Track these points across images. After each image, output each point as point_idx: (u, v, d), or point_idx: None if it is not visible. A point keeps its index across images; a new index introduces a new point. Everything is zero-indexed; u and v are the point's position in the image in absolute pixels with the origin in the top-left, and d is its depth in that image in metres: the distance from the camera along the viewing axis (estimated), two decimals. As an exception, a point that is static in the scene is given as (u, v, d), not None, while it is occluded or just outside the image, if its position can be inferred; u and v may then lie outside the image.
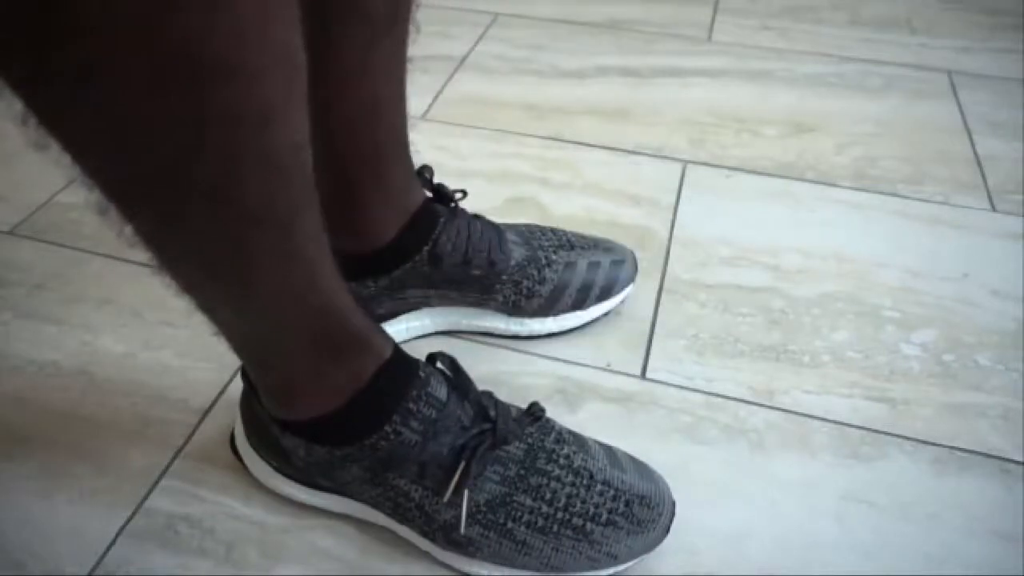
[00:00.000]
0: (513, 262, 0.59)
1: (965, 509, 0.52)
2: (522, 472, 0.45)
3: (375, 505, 0.47)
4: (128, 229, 0.34)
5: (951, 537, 0.50)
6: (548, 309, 0.61)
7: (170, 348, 0.62)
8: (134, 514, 0.51)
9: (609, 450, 0.49)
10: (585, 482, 0.46)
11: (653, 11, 1.13)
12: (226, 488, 0.52)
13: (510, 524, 0.45)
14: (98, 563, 0.48)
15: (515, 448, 0.46)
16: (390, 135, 0.53)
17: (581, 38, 1.07)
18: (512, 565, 0.46)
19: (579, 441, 0.48)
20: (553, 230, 0.64)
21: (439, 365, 0.46)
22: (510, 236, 0.61)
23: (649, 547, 0.47)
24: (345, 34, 0.45)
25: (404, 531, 0.48)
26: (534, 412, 0.47)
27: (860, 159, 0.85)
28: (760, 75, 0.99)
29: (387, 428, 0.43)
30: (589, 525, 0.45)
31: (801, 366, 0.62)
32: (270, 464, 0.50)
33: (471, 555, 0.46)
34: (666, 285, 0.68)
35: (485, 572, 0.47)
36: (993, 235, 0.75)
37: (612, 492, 0.46)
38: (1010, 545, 0.50)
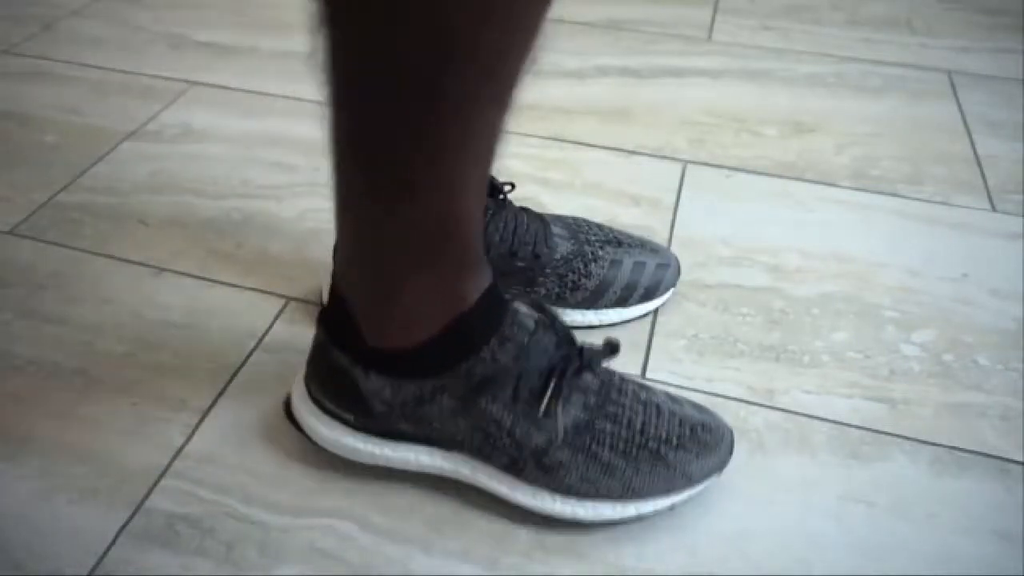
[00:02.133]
0: (558, 255, 0.60)
1: (965, 509, 0.52)
2: (600, 401, 0.48)
3: (461, 442, 0.47)
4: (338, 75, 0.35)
5: (951, 537, 0.50)
6: (591, 303, 0.62)
7: (170, 348, 0.62)
8: (134, 514, 0.51)
9: (666, 392, 0.52)
10: (654, 412, 0.49)
11: (653, 11, 1.13)
12: (226, 488, 0.52)
13: (595, 447, 0.47)
14: (98, 563, 0.48)
15: (591, 380, 0.48)
16: None
17: (581, 38, 1.07)
18: (597, 488, 0.48)
19: (640, 382, 0.52)
20: (600, 225, 0.65)
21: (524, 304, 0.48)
22: (556, 229, 0.61)
23: (719, 466, 0.50)
24: None
25: (485, 474, 0.49)
26: (612, 343, 0.49)
27: (860, 159, 0.85)
28: (760, 75, 0.99)
29: (484, 353, 0.44)
30: (663, 448, 0.48)
31: (801, 366, 0.62)
32: (343, 420, 0.49)
33: (560, 480, 0.48)
34: (666, 285, 0.68)
35: (568, 509, 0.49)
36: (993, 235, 0.75)
37: (678, 420, 0.50)
38: (1010, 545, 0.50)
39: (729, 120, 0.91)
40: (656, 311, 0.66)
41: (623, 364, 0.61)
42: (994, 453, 0.55)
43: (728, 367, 0.61)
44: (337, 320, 0.47)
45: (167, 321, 0.64)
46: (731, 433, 0.52)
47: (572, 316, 0.63)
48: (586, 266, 0.61)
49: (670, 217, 0.76)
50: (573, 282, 0.61)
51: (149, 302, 0.66)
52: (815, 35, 1.09)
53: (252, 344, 0.62)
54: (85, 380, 0.59)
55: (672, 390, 0.59)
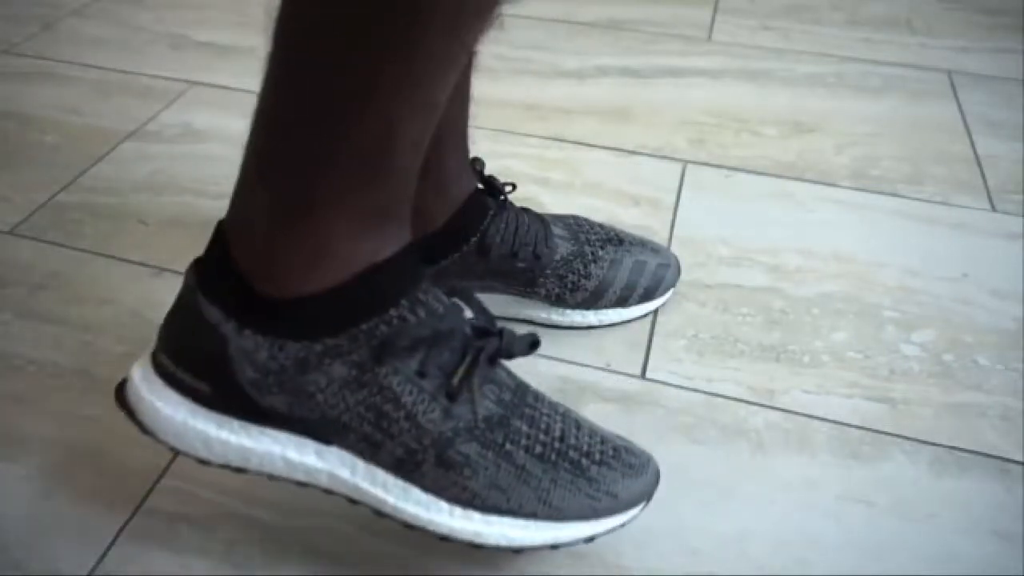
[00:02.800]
0: (558, 256, 0.60)
1: (965, 509, 0.52)
2: (515, 400, 0.42)
3: (345, 426, 0.40)
4: None
5: (951, 537, 0.50)
6: (591, 303, 0.62)
7: (170, 348, 0.62)
8: (134, 514, 0.51)
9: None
10: (573, 425, 0.44)
11: (653, 11, 1.13)
12: (226, 488, 0.52)
13: (508, 446, 0.41)
14: (98, 563, 0.48)
15: (506, 377, 0.43)
16: (447, 124, 0.51)
17: (581, 38, 1.07)
18: (507, 498, 0.41)
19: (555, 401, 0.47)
20: (601, 224, 0.65)
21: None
22: (556, 230, 0.61)
23: (646, 492, 0.45)
24: None
25: (369, 477, 0.41)
26: (534, 338, 0.43)
27: (860, 159, 0.85)
28: (760, 75, 0.99)
29: (393, 312, 0.38)
30: (584, 461, 0.43)
31: (801, 366, 0.62)
32: (194, 392, 0.41)
33: (463, 484, 0.41)
34: (666, 285, 0.68)
35: (469, 526, 0.41)
36: (993, 235, 0.75)
37: (599, 437, 0.45)
38: (1010, 545, 0.50)
39: (729, 120, 0.91)
40: (656, 311, 0.66)
41: (623, 364, 0.61)
42: (994, 453, 0.55)
43: (728, 367, 0.61)
44: (214, 266, 0.41)
45: (167, 321, 0.64)
46: (655, 463, 0.46)
47: (573, 317, 0.63)
48: (586, 267, 0.61)
49: (670, 217, 0.76)
50: (573, 283, 0.61)
51: (149, 302, 0.66)
52: (815, 35, 1.09)
53: (252, 344, 0.62)
54: (85, 380, 0.59)
55: (672, 390, 0.59)
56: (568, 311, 0.62)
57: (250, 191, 0.40)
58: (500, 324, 0.43)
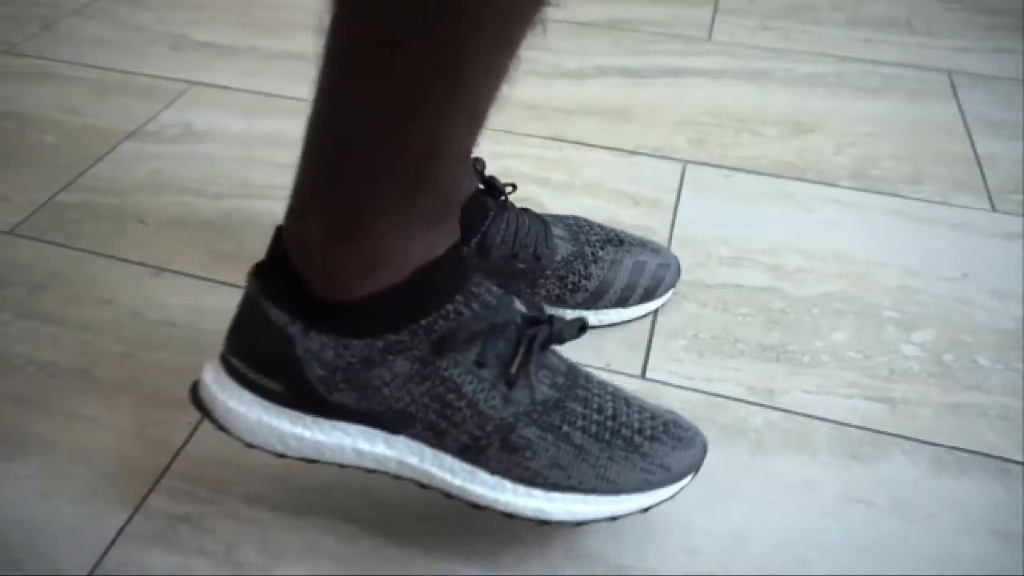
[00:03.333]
0: (559, 257, 0.60)
1: (965, 509, 0.52)
2: (569, 383, 0.45)
3: (412, 416, 0.42)
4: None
5: (951, 537, 0.50)
6: (592, 304, 0.62)
7: (170, 348, 0.62)
8: (134, 514, 0.51)
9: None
10: (623, 403, 0.46)
11: (653, 11, 1.13)
12: (226, 488, 0.52)
13: (566, 427, 0.43)
14: (98, 563, 0.48)
15: (558, 362, 0.45)
16: None
17: (581, 38, 1.07)
18: (568, 476, 0.43)
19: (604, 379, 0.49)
20: (600, 225, 0.65)
21: None
22: (556, 230, 0.61)
23: (695, 464, 0.47)
24: None
25: (436, 463, 0.43)
26: (583, 322, 0.45)
27: (860, 159, 0.85)
28: (760, 75, 0.99)
29: (449, 307, 0.40)
30: (637, 438, 0.45)
31: (801, 366, 0.62)
32: (268, 392, 0.43)
33: (526, 465, 0.43)
34: (666, 285, 0.68)
35: (532, 503, 0.43)
36: (993, 235, 0.75)
37: (649, 413, 0.46)
38: (1010, 545, 0.50)
39: (729, 120, 0.91)
40: (656, 311, 0.66)
41: (623, 364, 0.61)
42: (994, 453, 0.55)
43: (728, 367, 0.61)
44: (275, 271, 0.42)
45: (167, 321, 0.64)
46: (703, 436, 0.48)
47: (572, 317, 0.63)
48: (586, 267, 0.61)
49: (670, 217, 0.76)
50: (573, 283, 0.61)
51: (149, 302, 0.66)
52: (815, 35, 1.09)
53: (252, 344, 0.62)
54: (85, 380, 0.59)
55: (672, 390, 0.59)
56: (568, 312, 0.62)
57: (304, 204, 0.41)
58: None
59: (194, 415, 0.57)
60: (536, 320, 0.44)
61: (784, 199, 0.79)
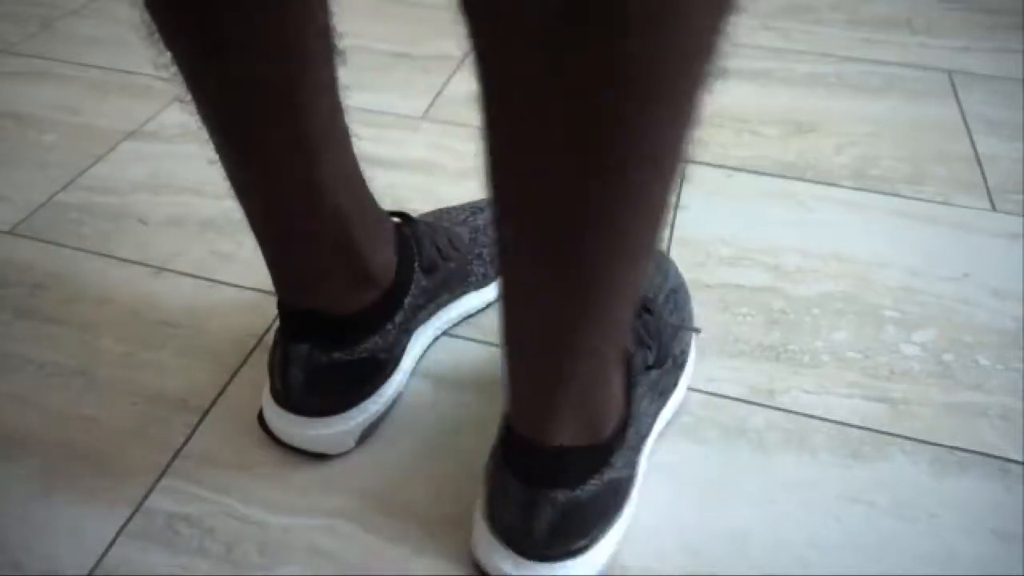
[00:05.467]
0: (467, 239, 0.61)
1: (965, 509, 0.52)
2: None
3: None
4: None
5: (951, 537, 0.50)
6: None
7: (170, 348, 0.62)
8: (134, 514, 0.51)
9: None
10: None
11: (653, 11, 1.13)
12: (226, 488, 0.52)
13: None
14: (98, 563, 0.48)
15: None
16: (361, 178, 0.51)
17: (581, 38, 1.07)
18: None
19: None
20: (453, 207, 0.66)
21: None
22: (442, 224, 0.62)
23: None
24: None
25: None
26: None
27: (860, 159, 0.85)
28: (760, 75, 0.99)
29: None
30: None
31: (801, 366, 0.61)
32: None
33: None
34: (666, 285, 0.68)
35: None
36: (993, 235, 0.75)
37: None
38: (1010, 545, 0.50)
39: (729, 120, 0.91)
40: (656, 311, 0.66)
41: (623, 364, 0.61)
42: (994, 453, 0.55)
43: (728, 367, 0.61)
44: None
45: (167, 321, 0.64)
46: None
47: None
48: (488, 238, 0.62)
49: (670, 217, 0.76)
50: (492, 254, 0.62)
51: (149, 302, 0.66)
52: (815, 35, 1.09)
53: (252, 344, 0.62)
54: (85, 380, 0.59)
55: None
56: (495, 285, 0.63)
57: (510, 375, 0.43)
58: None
59: (194, 415, 0.57)
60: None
61: (784, 199, 0.79)
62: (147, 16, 0.38)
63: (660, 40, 0.26)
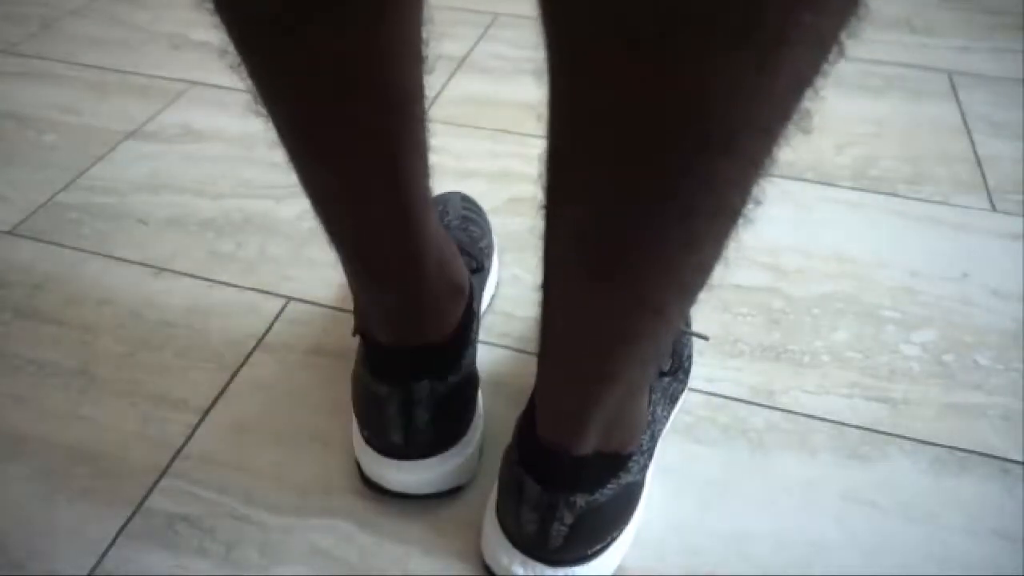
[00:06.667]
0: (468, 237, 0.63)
1: (965, 509, 0.52)
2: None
3: None
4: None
5: (951, 537, 0.50)
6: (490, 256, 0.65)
7: (170, 348, 0.62)
8: (134, 514, 0.51)
9: None
10: None
11: (653, 11, 1.13)
12: (226, 488, 0.52)
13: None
14: (98, 563, 0.48)
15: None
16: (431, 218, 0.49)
17: (581, 38, 1.07)
18: None
19: None
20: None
21: None
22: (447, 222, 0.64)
23: None
24: None
25: None
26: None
27: (860, 159, 0.85)
28: (760, 75, 0.99)
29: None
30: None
31: (801, 366, 0.61)
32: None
33: None
34: (666, 285, 0.68)
35: None
36: (993, 235, 0.75)
37: None
38: (1010, 545, 0.50)
39: (729, 120, 0.91)
40: (656, 311, 0.66)
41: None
42: (994, 453, 0.55)
43: (728, 367, 0.61)
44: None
45: (167, 321, 0.64)
46: None
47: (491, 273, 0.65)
48: (477, 228, 0.63)
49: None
50: (487, 247, 0.63)
51: (149, 302, 0.66)
52: (815, 35, 1.08)
53: (252, 344, 0.62)
54: (85, 380, 0.59)
55: (672, 390, 0.59)
56: (484, 268, 0.64)
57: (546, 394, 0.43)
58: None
59: (194, 415, 0.57)
60: None
61: (784, 199, 0.79)
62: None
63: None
